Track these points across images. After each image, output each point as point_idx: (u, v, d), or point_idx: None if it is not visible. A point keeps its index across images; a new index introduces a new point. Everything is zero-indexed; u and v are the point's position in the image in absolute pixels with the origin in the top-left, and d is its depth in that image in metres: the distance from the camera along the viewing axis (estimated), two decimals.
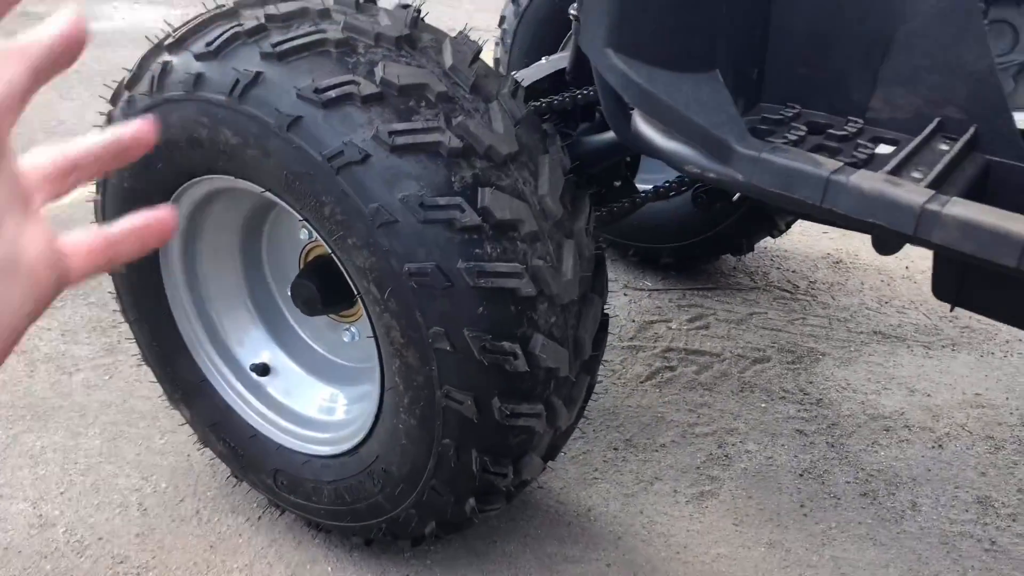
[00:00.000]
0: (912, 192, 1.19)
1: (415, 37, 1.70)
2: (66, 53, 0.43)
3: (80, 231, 0.48)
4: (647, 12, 1.35)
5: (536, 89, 2.30)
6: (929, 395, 2.67)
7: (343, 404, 2.06)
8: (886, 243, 1.25)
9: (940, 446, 2.46)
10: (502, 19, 3.18)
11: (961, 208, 1.16)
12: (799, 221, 3.43)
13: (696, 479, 2.33)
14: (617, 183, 2.56)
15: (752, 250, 3.18)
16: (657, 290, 3.25)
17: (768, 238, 3.18)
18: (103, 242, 0.48)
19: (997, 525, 2.18)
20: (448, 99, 1.63)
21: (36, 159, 0.47)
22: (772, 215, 2.98)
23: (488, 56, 3.37)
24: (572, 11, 1.83)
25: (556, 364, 1.69)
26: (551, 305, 1.67)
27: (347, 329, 2.08)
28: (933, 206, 1.16)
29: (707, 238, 3.12)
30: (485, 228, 1.57)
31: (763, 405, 2.62)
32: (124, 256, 0.49)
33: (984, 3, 1.76)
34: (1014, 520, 2.20)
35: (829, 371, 2.78)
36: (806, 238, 3.61)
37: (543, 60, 2.43)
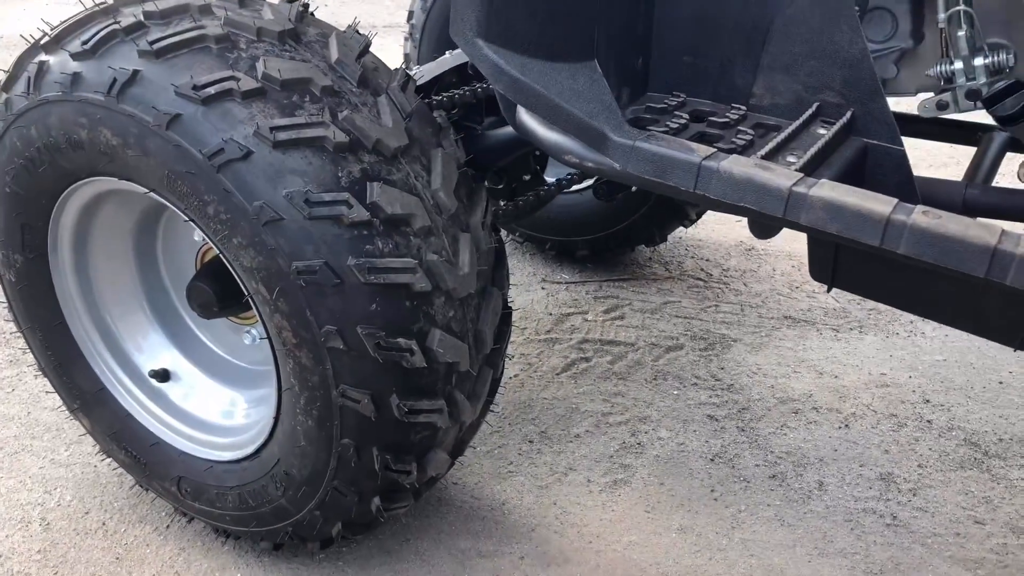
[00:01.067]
0: (780, 176, 1.21)
1: (299, 32, 1.68)
2: None
3: None
4: (518, 2, 1.35)
5: (441, 82, 2.29)
6: (836, 376, 2.73)
7: (243, 408, 2.02)
8: (762, 227, 1.27)
9: (847, 426, 2.51)
10: (410, 14, 3.16)
11: (827, 190, 1.18)
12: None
13: (609, 468, 2.35)
14: (527, 176, 2.56)
15: (665, 240, 3.22)
16: (574, 283, 3.27)
17: (681, 228, 3.21)
18: None
19: (899, 500, 2.24)
20: (334, 93, 1.61)
21: None
22: (683, 205, 3.02)
23: (399, 52, 3.34)
24: None
25: (456, 359, 1.68)
26: (448, 299, 1.66)
27: (247, 332, 2.04)
28: (800, 188, 1.18)
29: (621, 230, 3.14)
30: (375, 223, 1.55)
31: (676, 392, 2.65)
32: None
33: None
34: (914, 495, 2.26)
35: (741, 357, 2.82)
36: (720, 227, 3.66)
37: (447, 54, 2.42)
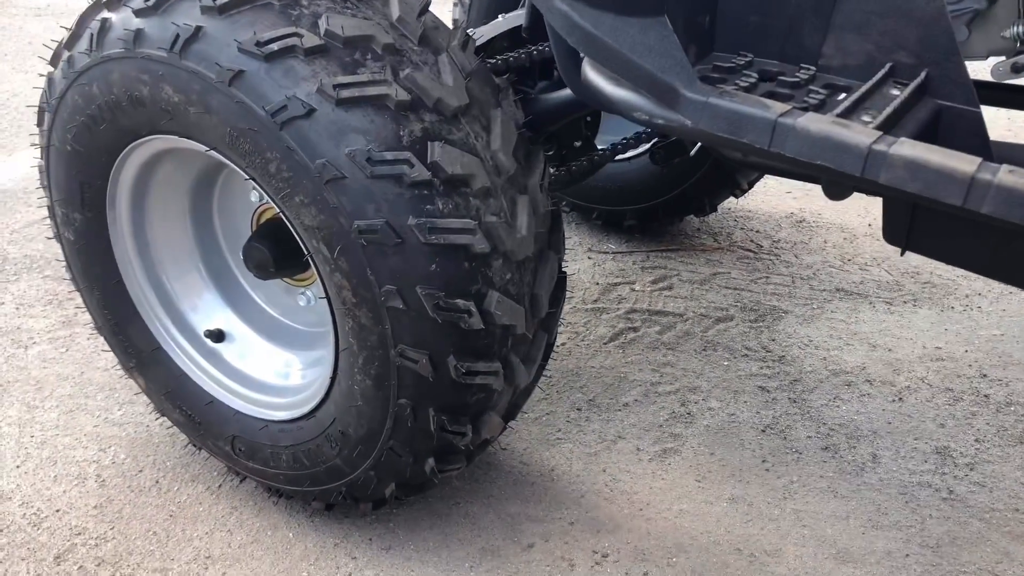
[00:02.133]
0: (860, 133, 1.17)
1: None
2: None
3: None
4: None
5: (494, 46, 2.27)
6: (890, 350, 2.68)
7: (299, 368, 2.03)
8: (836, 187, 1.24)
9: (900, 399, 2.47)
10: None
11: (908, 148, 1.15)
12: (762, 180, 3.43)
13: (659, 437, 2.33)
14: (577, 143, 2.53)
15: (715, 210, 3.18)
16: (621, 252, 3.24)
17: (731, 198, 3.17)
18: None
19: (955, 475, 2.20)
20: (395, 51, 1.59)
21: None
22: (734, 174, 2.97)
23: (447, 19, 3.32)
24: None
25: (512, 321, 1.67)
26: (506, 262, 1.65)
27: (302, 293, 2.04)
28: (880, 146, 1.15)
29: (670, 199, 3.11)
30: (436, 183, 1.54)
31: (726, 363, 2.62)
32: None
33: None
34: (971, 469, 2.22)
35: (792, 328, 2.79)
36: (770, 198, 3.61)
37: (500, 18, 2.39)
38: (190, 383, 2.08)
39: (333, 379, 1.77)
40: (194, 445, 2.21)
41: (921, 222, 1.41)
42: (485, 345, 1.66)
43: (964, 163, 1.12)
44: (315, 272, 1.68)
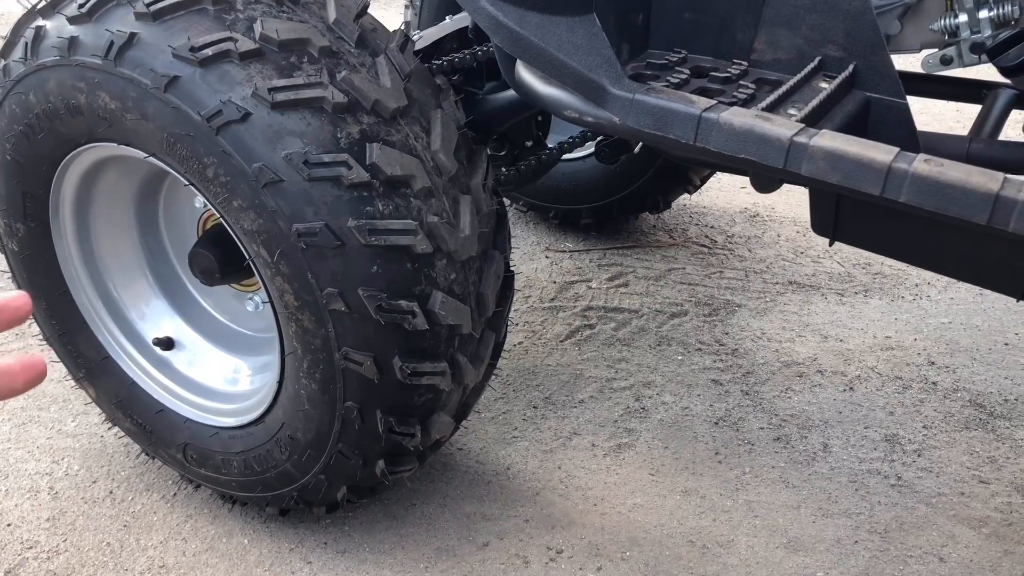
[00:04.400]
0: (781, 126, 1.19)
1: None
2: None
3: None
4: None
5: (442, 47, 2.27)
6: (841, 340, 2.72)
7: (247, 374, 2.03)
8: (763, 180, 1.26)
9: (851, 388, 2.51)
10: None
11: (828, 140, 1.17)
12: (716, 176, 3.46)
13: (613, 432, 2.35)
14: (528, 142, 2.54)
15: (669, 207, 3.21)
16: (578, 251, 3.26)
17: (685, 195, 3.20)
18: None
19: (903, 461, 2.24)
20: (332, 54, 1.59)
21: None
22: (687, 171, 3.00)
23: (399, 19, 3.32)
24: None
25: (458, 321, 1.68)
26: (449, 262, 1.66)
27: (250, 298, 2.04)
28: (801, 138, 1.17)
29: (624, 197, 3.13)
30: (375, 184, 1.55)
31: (680, 358, 2.65)
32: None
33: None
34: (919, 455, 2.26)
35: (745, 322, 2.82)
36: (724, 193, 3.64)
37: (447, 19, 2.40)
38: (140, 392, 2.07)
39: (280, 384, 1.77)
40: (147, 454, 2.19)
41: (846, 212, 1.43)
42: (431, 346, 1.67)
43: (881, 153, 1.14)
44: (258, 277, 1.68)
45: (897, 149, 1.15)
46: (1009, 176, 1.10)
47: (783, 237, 3.34)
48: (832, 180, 1.15)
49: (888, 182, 1.12)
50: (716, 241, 3.32)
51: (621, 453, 2.28)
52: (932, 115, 4.29)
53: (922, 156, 1.14)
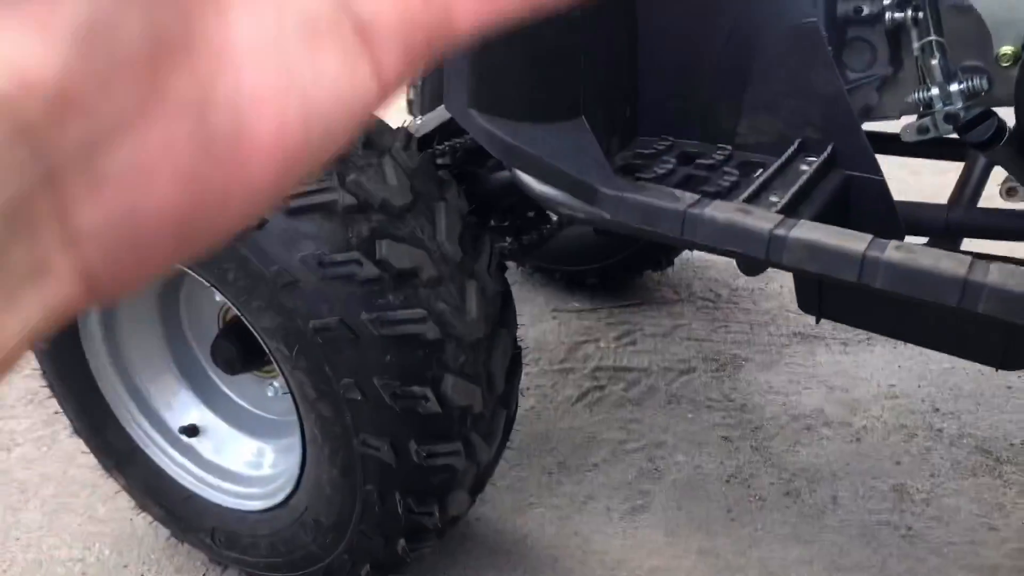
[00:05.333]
0: (761, 219, 1.28)
1: None
2: None
3: None
4: (506, 72, 1.43)
5: (444, 130, 2.38)
6: (847, 390, 2.78)
7: (271, 458, 2.10)
8: (749, 265, 1.34)
9: (858, 439, 2.56)
10: None
11: (805, 231, 1.25)
12: None
13: (628, 495, 2.41)
14: (531, 213, 2.64)
15: (672, 264, 3.28)
16: (585, 310, 3.34)
17: (687, 251, 3.28)
18: None
19: (912, 511, 2.29)
20: (341, 158, 1.69)
21: None
22: None
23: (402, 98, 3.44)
24: None
25: (469, 401, 1.75)
26: (458, 345, 1.74)
27: (270, 384, 2.12)
28: (780, 231, 1.25)
29: (628, 256, 3.21)
30: (386, 279, 1.64)
31: (690, 416, 2.71)
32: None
33: (841, 23, 1.87)
34: (928, 504, 2.30)
35: (752, 376, 2.88)
36: None
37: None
38: (168, 479, 2.14)
39: (302, 469, 1.85)
40: (176, 538, 2.26)
41: (829, 293, 1.51)
42: (444, 427, 1.75)
43: (855, 242, 1.22)
44: (277, 369, 1.76)
45: (871, 237, 1.23)
46: (976, 260, 1.18)
47: (786, 288, 3.41)
48: (812, 269, 1.23)
49: (864, 270, 1.19)
50: (720, 295, 3.40)
51: (636, 516, 2.33)
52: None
53: (894, 243, 1.22)
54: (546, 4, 0.31)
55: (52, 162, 0.22)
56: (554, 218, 2.63)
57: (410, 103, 3.32)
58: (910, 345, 2.97)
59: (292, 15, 0.26)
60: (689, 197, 1.34)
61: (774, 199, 1.42)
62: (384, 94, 0.29)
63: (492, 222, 2.63)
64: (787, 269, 1.29)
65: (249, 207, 0.27)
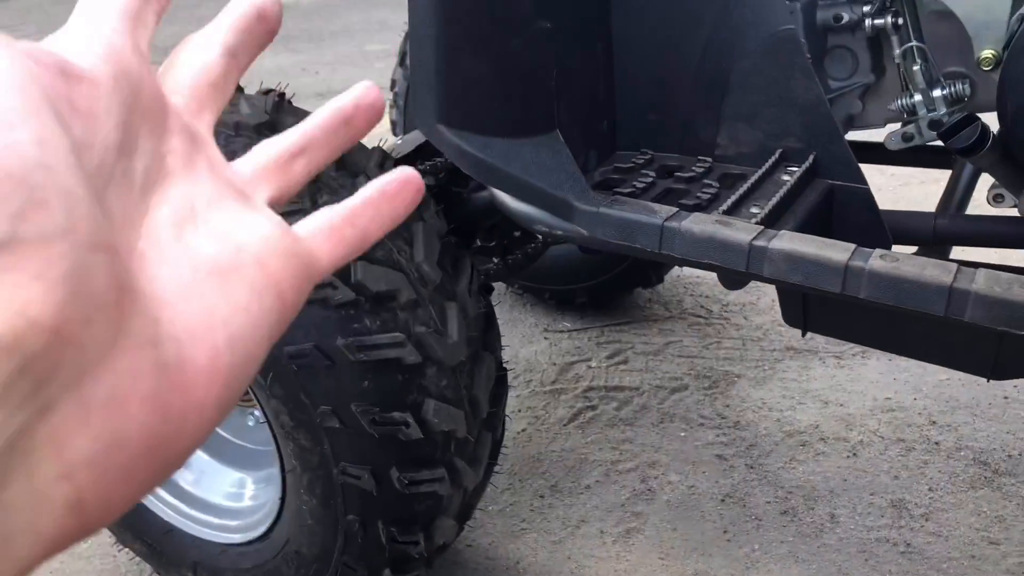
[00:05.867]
0: (740, 231, 1.24)
1: (276, 122, 1.73)
2: (260, 26, 0.40)
3: (313, 215, 0.41)
4: (475, 85, 1.40)
5: (425, 150, 2.34)
6: (842, 405, 2.73)
7: (252, 489, 2.05)
8: (730, 279, 1.30)
9: (855, 454, 2.51)
10: (392, 83, 3.23)
11: (786, 242, 1.21)
12: None
13: (621, 517, 2.36)
14: (517, 233, 2.60)
15: (662, 281, 3.25)
16: (576, 330, 3.29)
17: (676, 267, 3.24)
18: (345, 219, 0.41)
19: (911, 527, 2.24)
20: (312, 180, 1.65)
21: (254, 154, 0.41)
22: None
23: (386, 115, 3.41)
24: None
25: (452, 426, 1.71)
26: (440, 369, 1.69)
27: (250, 413, 2.08)
28: (760, 242, 1.22)
29: (617, 274, 3.17)
30: (362, 302, 1.59)
31: (683, 434, 2.66)
32: (374, 233, 0.43)
33: (821, 31, 1.85)
34: (927, 519, 2.25)
35: (745, 392, 2.84)
36: None
37: None
38: (147, 513, 2.09)
39: (283, 500, 1.80)
40: (159, 574, 2.21)
41: (813, 306, 1.47)
42: (427, 453, 1.70)
43: (838, 252, 1.18)
44: (253, 398, 1.72)
45: (854, 247, 1.19)
46: (963, 268, 1.14)
47: (778, 302, 3.37)
48: (794, 280, 1.19)
49: (847, 280, 1.16)
50: (712, 311, 3.36)
51: (630, 538, 2.28)
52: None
53: (878, 252, 1.18)
54: (375, 234, 0.42)
55: (49, 394, 0.25)
56: (540, 237, 2.59)
57: (393, 124, 3.30)
58: (905, 357, 2.93)
59: (203, 264, 0.32)
60: (666, 210, 1.30)
61: (755, 210, 1.38)
62: (289, 314, 0.36)
63: (477, 242, 2.60)
64: (769, 282, 1.25)
65: (202, 425, 0.30)
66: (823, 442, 2.58)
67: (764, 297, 3.42)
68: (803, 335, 1.57)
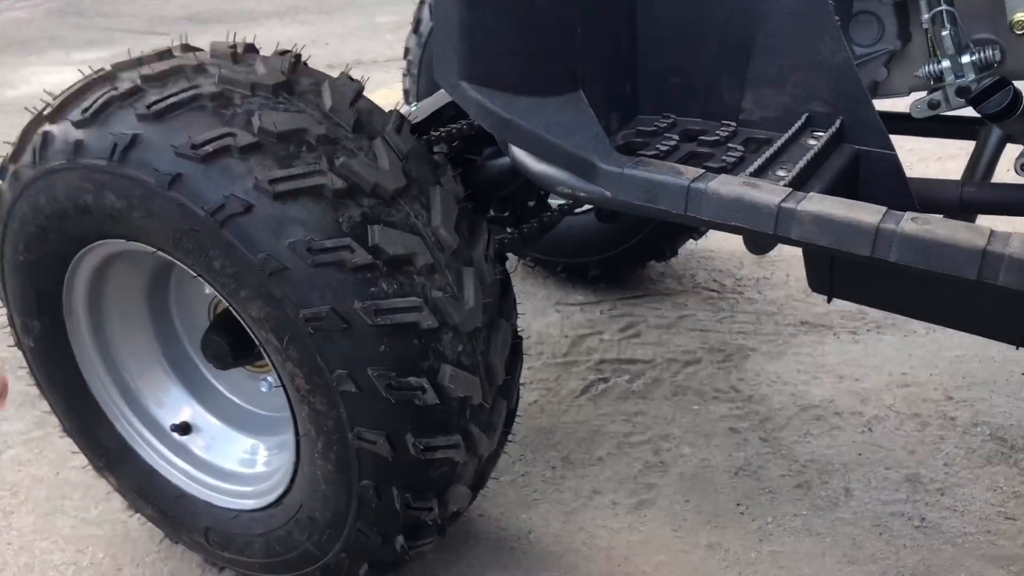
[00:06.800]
0: (768, 192, 1.22)
1: (292, 83, 1.71)
2: None
3: None
4: (498, 41, 1.37)
5: (442, 116, 2.31)
6: (857, 379, 2.71)
7: (265, 455, 2.04)
8: (757, 242, 1.28)
9: (870, 429, 2.49)
10: (406, 51, 3.20)
11: (815, 204, 1.19)
12: None
13: (634, 489, 2.35)
14: (532, 203, 2.57)
15: (676, 254, 3.22)
16: (588, 303, 3.27)
17: (691, 240, 3.22)
18: None
19: (927, 501, 2.22)
20: (329, 141, 1.63)
21: None
22: None
23: (399, 87, 3.38)
24: None
25: (468, 393, 1.69)
26: (456, 335, 1.67)
27: (263, 379, 2.06)
28: (789, 204, 1.19)
29: (630, 247, 3.15)
30: (379, 265, 1.57)
31: (696, 407, 2.65)
32: None
33: None
34: (942, 494, 2.24)
35: (759, 366, 2.82)
36: (730, 236, 3.65)
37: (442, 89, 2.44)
38: (160, 478, 2.08)
39: (296, 465, 1.79)
40: (170, 539, 2.20)
41: (841, 270, 1.45)
42: (443, 419, 1.68)
43: (869, 214, 1.16)
44: (268, 362, 1.70)
45: (885, 209, 1.17)
46: (996, 231, 1.12)
47: (792, 277, 3.35)
48: (822, 243, 1.17)
49: (877, 243, 1.13)
50: (725, 285, 3.33)
51: (643, 510, 2.27)
52: (936, 143, 4.30)
53: (909, 215, 1.15)
54: None
55: None
56: (555, 206, 2.56)
57: (406, 92, 3.27)
58: (921, 332, 2.91)
59: None
60: (693, 172, 1.27)
61: (781, 174, 1.36)
62: None
63: (492, 212, 2.57)
64: (797, 244, 1.22)
65: None
66: (838, 416, 2.56)
67: (778, 271, 3.39)
68: (828, 301, 1.55)
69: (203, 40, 1.89)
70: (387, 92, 4.70)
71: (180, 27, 8.00)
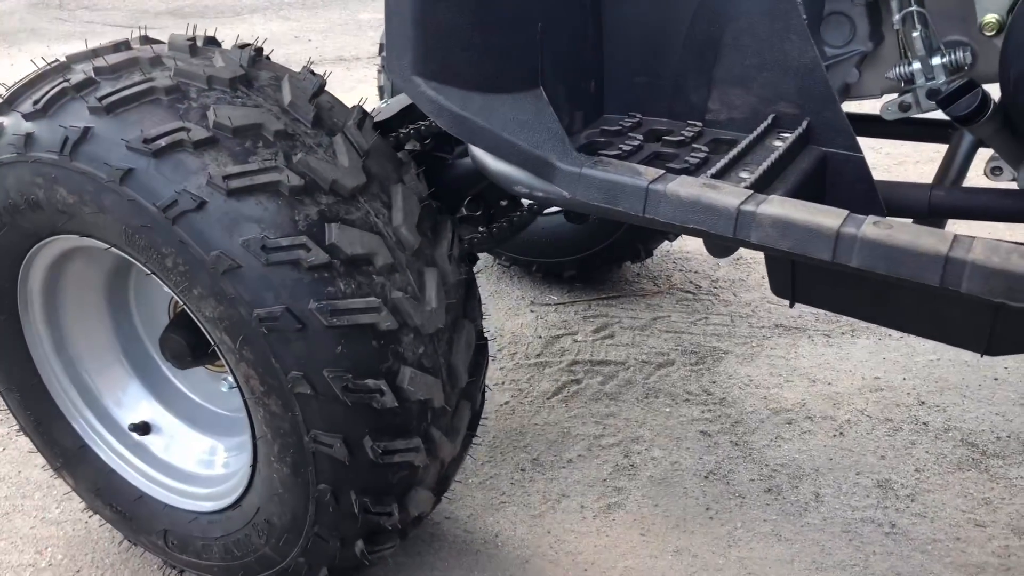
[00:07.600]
0: (728, 195, 1.19)
1: (251, 77, 1.67)
2: None
3: None
4: (453, 36, 1.33)
5: (411, 115, 2.28)
6: (830, 383, 2.69)
7: (224, 456, 2.00)
8: (717, 246, 1.25)
9: (841, 434, 2.47)
10: (380, 47, 3.15)
11: (776, 207, 1.16)
12: None
13: (603, 492, 2.32)
14: (503, 201, 2.54)
15: (651, 255, 3.19)
16: (563, 304, 3.24)
17: (667, 242, 3.19)
18: None
19: (896, 507, 2.20)
20: (287, 136, 1.59)
21: None
22: None
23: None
24: None
25: (428, 395, 1.66)
26: (417, 336, 1.64)
27: (224, 378, 2.02)
28: (748, 207, 1.16)
29: (605, 248, 3.12)
30: (335, 265, 1.54)
31: (667, 410, 2.62)
32: None
33: None
34: (912, 500, 2.22)
35: (732, 369, 2.79)
36: None
37: None
38: (118, 479, 2.04)
39: (254, 468, 1.75)
40: (129, 541, 2.16)
41: (803, 275, 1.42)
42: (402, 422, 1.65)
43: (830, 218, 1.13)
44: (224, 362, 1.66)
45: (846, 213, 1.14)
46: (959, 236, 1.09)
47: (767, 279, 3.32)
48: (782, 247, 1.14)
49: (838, 247, 1.10)
50: (700, 286, 3.31)
51: (611, 513, 2.24)
52: (912, 146, 4.29)
53: (871, 219, 1.13)
54: None
55: None
56: (526, 206, 2.53)
57: (381, 89, 3.22)
58: (895, 336, 2.89)
59: None
60: (652, 172, 1.24)
61: (744, 175, 1.33)
62: None
63: (463, 211, 2.53)
64: (757, 248, 1.19)
65: None
66: (809, 420, 2.54)
67: (754, 274, 3.37)
68: (791, 306, 1.52)
69: None
70: (370, 89, 4.66)
71: (162, 21, 7.94)
